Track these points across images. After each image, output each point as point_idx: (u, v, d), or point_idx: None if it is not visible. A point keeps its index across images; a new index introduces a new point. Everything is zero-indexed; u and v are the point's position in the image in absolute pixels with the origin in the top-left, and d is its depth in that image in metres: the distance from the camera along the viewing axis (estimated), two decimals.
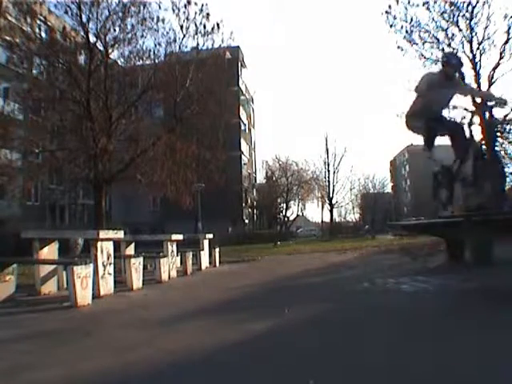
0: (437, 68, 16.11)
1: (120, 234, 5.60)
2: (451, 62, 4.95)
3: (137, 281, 5.83)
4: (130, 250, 7.16)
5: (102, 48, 13.23)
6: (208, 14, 14.21)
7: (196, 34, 14.32)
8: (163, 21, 13.83)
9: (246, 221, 38.59)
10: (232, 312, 3.85)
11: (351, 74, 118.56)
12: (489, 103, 5.23)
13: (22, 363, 2.47)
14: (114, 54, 13.90)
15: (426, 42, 15.62)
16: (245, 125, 39.81)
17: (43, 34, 13.89)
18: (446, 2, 15.05)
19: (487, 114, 15.42)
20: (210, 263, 9.54)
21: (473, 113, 4.96)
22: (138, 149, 13.55)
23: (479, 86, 15.36)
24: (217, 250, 9.98)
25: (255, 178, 44.55)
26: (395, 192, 69.26)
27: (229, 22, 58.97)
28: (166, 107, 16.44)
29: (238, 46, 33.45)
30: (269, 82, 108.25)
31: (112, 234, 5.40)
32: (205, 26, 14.28)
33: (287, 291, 5.02)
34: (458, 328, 2.81)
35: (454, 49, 15.33)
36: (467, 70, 15.40)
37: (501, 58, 14.84)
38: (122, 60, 14.13)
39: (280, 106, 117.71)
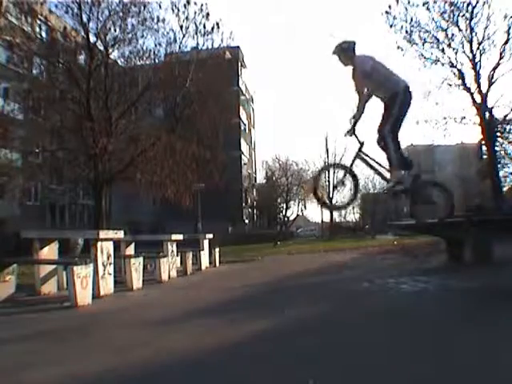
0: (436, 68, 16.13)
1: (120, 234, 5.60)
2: None
3: (137, 281, 5.83)
4: (130, 250, 7.15)
5: (102, 48, 13.22)
6: (208, 14, 14.23)
7: (196, 33, 14.33)
8: (163, 21, 13.84)
9: (246, 221, 38.57)
10: (232, 312, 3.84)
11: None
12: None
13: (21, 363, 2.48)
14: (114, 54, 13.91)
15: (426, 41, 15.64)
16: (245, 125, 39.81)
17: (43, 34, 13.90)
18: (445, 2, 15.06)
19: (487, 114, 15.44)
20: (210, 263, 9.54)
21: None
22: (138, 149, 13.53)
23: (479, 85, 15.38)
24: (217, 249, 9.98)
25: (255, 178, 44.52)
26: None
27: (229, 22, 59.07)
28: (166, 107, 16.44)
29: (238, 46, 33.43)
30: (269, 82, 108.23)
31: (112, 234, 5.41)
32: (205, 26, 14.30)
33: (287, 291, 5.02)
34: (458, 327, 2.81)
35: (454, 49, 15.36)
36: (467, 69, 15.45)
37: (501, 57, 14.85)
38: (122, 60, 14.14)
39: (280, 106, 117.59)
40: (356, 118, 4.21)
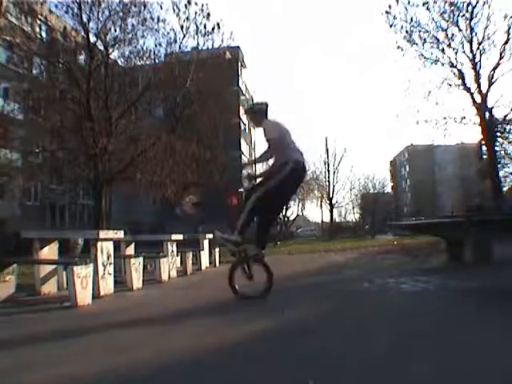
0: (436, 68, 16.15)
1: (120, 234, 5.59)
2: None
3: (137, 281, 5.83)
4: (130, 250, 7.15)
5: (102, 48, 13.25)
6: (208, 14, 14.31)
7: (196, 33, 14.42)
8: (164, 21, 13.91)
9: None
10: (232, 312, 3.84)
11: (351, 74, 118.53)
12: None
13: (21, 363, 2.47)
14: (114, 54, 13.95)
15: (426, 41, 15.68)
16: (245, 125, 39.79)
17: (43, 34, 13.92)
18: (445, 2, 15.11)
19: (487, 114, 15.46)
20: (210, 263, 9.54)
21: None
22: (138, 149, 13.57)
23: (479, 85, 15.40)
24: (217, 249, 9.98)
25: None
26: (395, 192, 69.24)
27: (229, 22, 59.02)
28: (166, 107, 16.47)
29: (238, 46, 33.43)
30: (269, 82, 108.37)
31: (112, 234, 5.40)
32: (205, 26, 14.39)
33: (287, 291, 5.01)
34: (458, 327, 2.81)
35: (454, 49, 15.37)
36: (467, 69, 15.47)
37: (501, 57, 14.90)
38: (122, 60, 14.18)
39: (280, 106, 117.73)
40: (256, 162, 4.17)
